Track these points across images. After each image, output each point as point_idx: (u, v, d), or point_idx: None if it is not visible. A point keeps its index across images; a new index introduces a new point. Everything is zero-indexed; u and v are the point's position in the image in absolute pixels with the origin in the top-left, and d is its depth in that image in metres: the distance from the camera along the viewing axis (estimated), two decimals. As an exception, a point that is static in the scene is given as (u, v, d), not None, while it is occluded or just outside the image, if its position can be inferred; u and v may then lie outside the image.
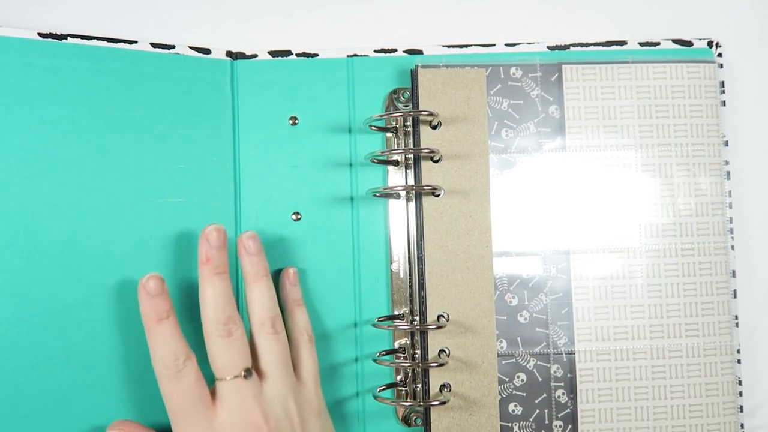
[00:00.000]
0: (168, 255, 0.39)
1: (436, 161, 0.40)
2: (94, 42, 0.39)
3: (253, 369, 0.36)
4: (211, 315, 0.35)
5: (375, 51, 0.42)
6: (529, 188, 0.40)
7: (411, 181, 0.40)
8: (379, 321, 0.40)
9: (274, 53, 0.41)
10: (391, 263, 0.41)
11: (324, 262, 0.41)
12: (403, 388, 0.40)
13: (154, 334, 0.35)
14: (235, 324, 0.36)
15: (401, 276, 0.41)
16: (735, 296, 0.41)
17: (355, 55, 0.42)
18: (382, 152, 0.39)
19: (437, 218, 0.39)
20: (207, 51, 0.41)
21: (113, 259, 0.38)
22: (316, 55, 0.41)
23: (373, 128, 0.40)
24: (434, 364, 0.38)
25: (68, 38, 0.38)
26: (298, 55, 0.41)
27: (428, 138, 0.40)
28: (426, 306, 0.39)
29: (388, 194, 0.40)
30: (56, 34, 0.38)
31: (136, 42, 0.39)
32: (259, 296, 0.37)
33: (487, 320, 0.39)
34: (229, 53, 0.41)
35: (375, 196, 0.40)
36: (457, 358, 0.39)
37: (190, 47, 0.40)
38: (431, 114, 0.38)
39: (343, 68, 0.41)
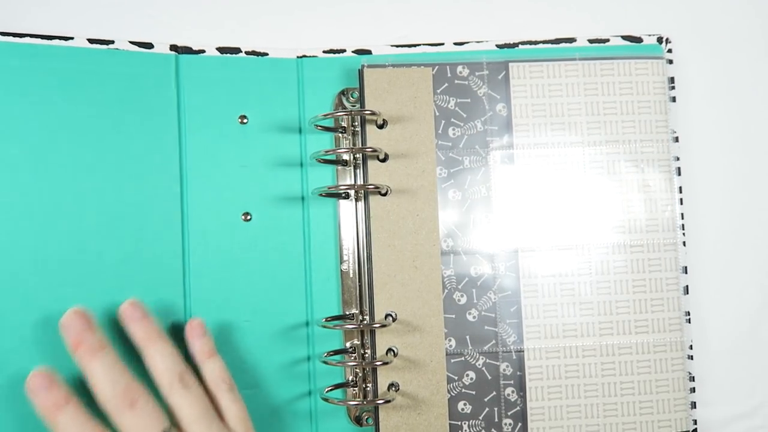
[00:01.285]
0: (111, 257, 0.39)
1: (383, 160, 0.40)
2: (26, 40, 0.38)
3: (177, 429, 0.35)
4: (108, 392, 0.34)
5: (324, 51, 0.42)
6: (476, 186, 0.40)
7: (360, 181, 0.40)
8: (326, 321, 0.40)
9: (222, 50, 0.41)
10: (341, 263, 0.41)
11: (275, 263, 0.41)
12: (354, 388, 0.40)
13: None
14: (135, 391, 0.34)
15: (351, 276, 0.41)
16: (687, 292, 0.41)
17: (305, 56, 0.41)
18: (327, 152, 0.39)
19: (384, 217, 0.39)
20: (149, 45, 0.40)
21: (52, 261, 0.37)
22: (266, 54, 0.41)
23: (320, 128, 0.40)
24: (379, 363, 0.38)
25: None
26: (247, 53, 0.41)
27: (375, 137, 0.40)
28: (373, 305, 0.39)
29: (334, 194, 0.40)
30: (-14, 32, 0.38)
31: (71, 38, 0.39)
32: (160, 357, 0.36)
33: (435, 319, 0.39)
34: (173, 47, 0.41)
35: (321, 195, 0.40)
36: (406, 357, 0.39)
37: (131, 42, 0.40)
38: (374, 113, 0.38)
39: (293, 69, 0.41)
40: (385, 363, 0.38)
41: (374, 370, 0.39)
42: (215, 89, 0.41)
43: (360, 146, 0.39)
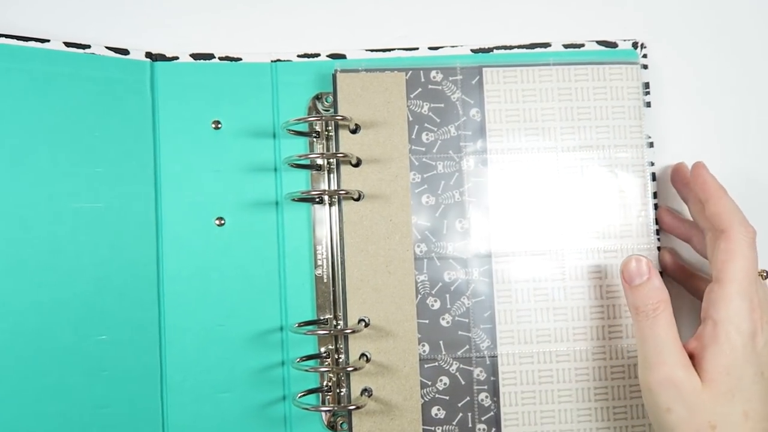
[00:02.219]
0: (85, 262, 0.38)
1: (356, 165, 0.40)
2: (2, 40, 0.38)
3: None
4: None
5: (298, 56, 0.42)
6: (450, 191, 0.40)
7: (334, 186, 0.40)
8: (299, 326, 0.40)
9: (196, 56, 0.41)
10: (315, 268, 0.41)
11: (249, 267, 0.41)
12: (328, 393, 0.40)
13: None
14: None
15: (325, 281, 0.41)
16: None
17: (279, 60, 0.41)
18: (299, 156, 0.39)
19: (357, 222, 0.39)
20: (125, 51, 0.40)
21: (27, 265, 0.37)
22: (240, 59, 0.41)
23: (291, 132, 0.40)
24: (350, 369, 0.38)
25: (-25, 36, 0.38)
26: (221, 58, 0.41)
27: (348, 142, 0.40)
28: (346, 310, 0.39)
29: (307, 198, 0.40)
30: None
31: (48, 41, 0.39)
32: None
33: (408, 324, 0.39)
34: (148, 54, 0.41)
35: (294, 200, 0.40)
36: (379, 363, 0.39)
37: (107, 47, 0.40)
38: (345, 118, 0.38)
39: (267, 73, 0.41)
40: (356, 368, 0.38)
41: (348, 376, 0.39)
42: (189, 95, 0.41)
43: (331, 151, 0.39)
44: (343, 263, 0.39)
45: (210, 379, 0.40)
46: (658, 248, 0.41)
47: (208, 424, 0.40)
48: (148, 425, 0.39)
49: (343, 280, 0.39)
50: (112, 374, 0.39)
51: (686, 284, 0.40)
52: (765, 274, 0.37)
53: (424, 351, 0.40)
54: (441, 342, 0.40)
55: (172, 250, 0.40)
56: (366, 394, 0.39)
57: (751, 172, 0.43)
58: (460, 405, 0.40)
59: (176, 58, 0.41)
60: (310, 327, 0.40)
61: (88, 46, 0.40)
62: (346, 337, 0.39)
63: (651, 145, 0.42)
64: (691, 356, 0.35)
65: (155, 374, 0.40)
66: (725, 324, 0.34)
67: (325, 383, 0.40)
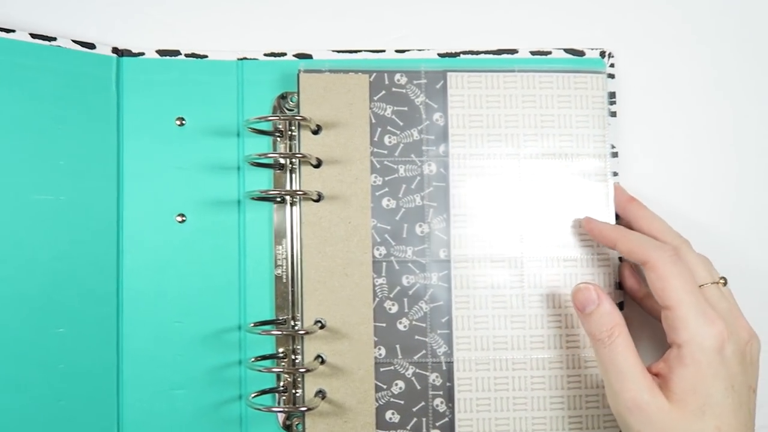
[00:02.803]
0: (44, 254, 0.38)
1: (317, 166, 0.39)
2: (-36, 29, 0.38)
3: None
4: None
5: (265, 54, 0.42)
6: (411, 195, 0.40)
7: (296, 186, 0.40)
8: (254, 326, 0.39)
9: (162, 52, 0.41)
10: (276, 267, 0.41)
11: (209, 265, 0.41)
12: (284, 394, 0.40)
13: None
14: None
15: (284, 281, 0.41)
16: (622, 308, 0.41)
17: (245, 58, 0.41)
18: (259, 155, 0.39)
19: (316, 223, 0.39)
20: (91, 46, 0.40)
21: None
22: (206, 56, 0.41)
23: (253, 130, 0.40)
24: (302, 370, 0.38)
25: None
26: (187, 55, 0.41)
27: (309, 143, 0.39)
28: (303, 311, 0.39)
29: (267, 198, 0.40)
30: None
31: (14, 31, 0.39)
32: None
33: (364, 327, 0.39)
34: (115, 50, 0.41)
35: (253, 199, 0.40)
36: (333, 365, 0.39)
37: (74, 41, 0.40)
38: (305, 119, 0.38)
39: (233, 71, 0.41)
40: (309, 370, 0.38)
41: (303, 377, 0.39)
42: (154, 91, 0.41)
43: (290, 151, 0.39)
44: (301, 264, 0.39)
45: (166, 376, 0.40)
46: (620, 258, 0.41)
47: (164, 420, 0.40)
48: (103, 419, 0.39)
49: (301, 281, 0.39)
50: (68, 368, 0.39)
51: (644, 303, 0.40)
52: (724, 281, 0.37)
53: (380, 354, 0.40)
54: (398, 346, 0.40)
55: (132, 246, 0.40)
56: (320, 395, 0.39)
57: (716, 182, 0.43)
58: (414, 410, 0.40)
59: (142, 54, 0.41)
60: (265, 327, 0.40)
61: (54, 39, 0.40)
62: (302, 338, 0.39)
63: (615, 154, 0.41)
64: (659, 377, 0.34)
65: (112, 369, 0.40)
66: (689, 346, 0.33)
67: (281, 384, 0.40)
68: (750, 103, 0.43)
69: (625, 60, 0.43)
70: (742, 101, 0.43)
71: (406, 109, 0.41)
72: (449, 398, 0.40)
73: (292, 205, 0.40)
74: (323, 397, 0.39)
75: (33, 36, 0.39)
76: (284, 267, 0.41)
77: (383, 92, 0.41)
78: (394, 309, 0.40)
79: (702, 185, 0.43)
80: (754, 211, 0.43)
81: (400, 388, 0.40)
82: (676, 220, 0.42)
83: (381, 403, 0.40)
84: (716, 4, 0.44)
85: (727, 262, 0.41)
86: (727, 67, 0.44)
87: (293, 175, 0.40)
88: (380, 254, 0.40)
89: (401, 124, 0.41)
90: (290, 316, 0.40)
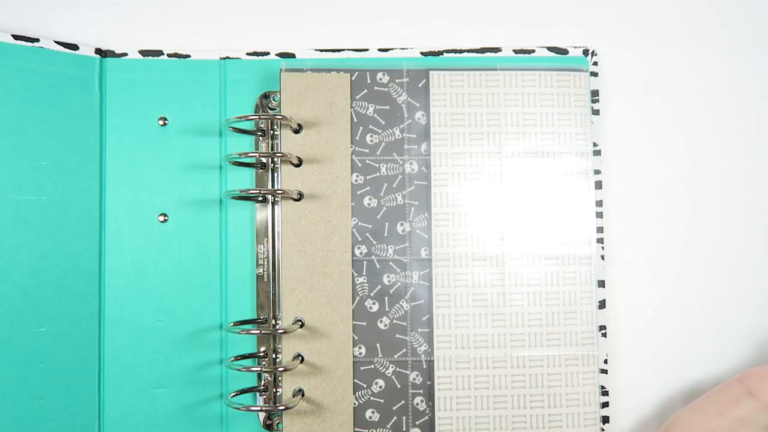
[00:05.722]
0: (26, 254, 0.39)
1: (297, 165, 0.39)
2: (-54, 30, 0.38)
3: None
4: None
5: (247, 54, 0.42)
6: (392, 194, 0.40)
7: (277, 185, 0.40)
8: (234, 325, 0.39)
9: (144, 53, 0.41)
10: (257, 267, 0.41)
11: (190, 264, 0.41)
12: (264, 393, 0.40)
13: None
14: None
15: (265, 280, 0.41)
16: (604, 306, 0.41)
17: (228, 58, 0.41)
18: (239, 154, 0.39)
19: (296, 222, 0.39)
20: (74, 47, 0.40)
21: (-38, 256, 0.37)
22: (188, 56, 0.41)
23: (234, 129, 0.40)
24: (280, 369, 0.38)
25: None
26: (169, 55, 0.41)
27: (290, 142, 0.40)
28: (281, 310, 0.39)
29: (248, 197, 0.40)
30: None
31: None
32: None
33: (343, 326, 0.39)
34: (98, 50, 0.41)
35: (234, 198, 0.40)
36: (312, 364, 0.39)
37: (56, 42, 0.40)
38: (285, 118, 0.38)
39: (215, 70, 0.41)
40: (287, 369, 0.38)
41: (281, 375, 0.39)
42: (137, 91, 0.41)
43: (270, 150, 0.39)
44: (281, 263, 0.39)
45: (147, 375, 0.40)
46: (602, 257, 0.41)
47: (145, 419, 0.40)
48: (84, 418, 0.39)
49: (280, 279, 0.39)
50: (49, 366, 0.39)
51: None
52: None
53: (360, 353, 0.40)
54: (378, 345, 0.40)
55: (114, 245, 0.40)
56: (299, 394, 0.39)
57: (698, 180, 0.43)
58: (394, 408, 0.40)
59: (125, 54, 0.41)
60: (244, 326, 0.40)
61: (37, 40, 0.40)
62: (281, 337, 0.39)
63: (598, 153, 0.41)
64: None
65: (93, 367, 0.40)
66: None
67: (262, 383, 0.40)
68: (733, 101, 0.43)
69: (608, 58, 0.43)
70: (725, 99, 0.43)
71: (388, 107, 0.41)
72: (429, 397, 0.40)
73: (273, 204, 0.40)
74: (302, 396, 0.39)
75: (15, 37, 0.39)
76: (265, 266, 0.41)
77: (365, 91, 0.41)
78: (375, 308, 0.40)
79: (684, 183, 0.43)
80: (736, 209, 0.43)
81: (380, 387, 0.40)
82: (657, 218, 0.42)
83: (361, 401, 0.40)
84: (698, 3, 0.44)
85: (706, 262, 0.41)
86: (709, 66, 0.43)
87: (275, 174, 0.40)
88: (361, 253, 0.40)
89: (383, 122, 0.41)
90: (271, 315, 0.40)
